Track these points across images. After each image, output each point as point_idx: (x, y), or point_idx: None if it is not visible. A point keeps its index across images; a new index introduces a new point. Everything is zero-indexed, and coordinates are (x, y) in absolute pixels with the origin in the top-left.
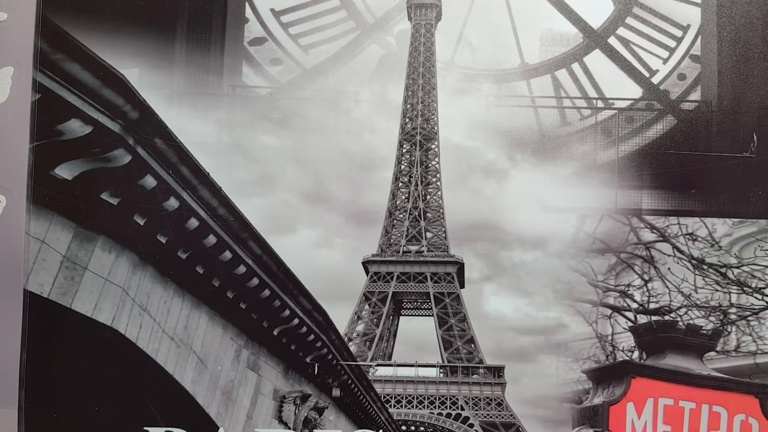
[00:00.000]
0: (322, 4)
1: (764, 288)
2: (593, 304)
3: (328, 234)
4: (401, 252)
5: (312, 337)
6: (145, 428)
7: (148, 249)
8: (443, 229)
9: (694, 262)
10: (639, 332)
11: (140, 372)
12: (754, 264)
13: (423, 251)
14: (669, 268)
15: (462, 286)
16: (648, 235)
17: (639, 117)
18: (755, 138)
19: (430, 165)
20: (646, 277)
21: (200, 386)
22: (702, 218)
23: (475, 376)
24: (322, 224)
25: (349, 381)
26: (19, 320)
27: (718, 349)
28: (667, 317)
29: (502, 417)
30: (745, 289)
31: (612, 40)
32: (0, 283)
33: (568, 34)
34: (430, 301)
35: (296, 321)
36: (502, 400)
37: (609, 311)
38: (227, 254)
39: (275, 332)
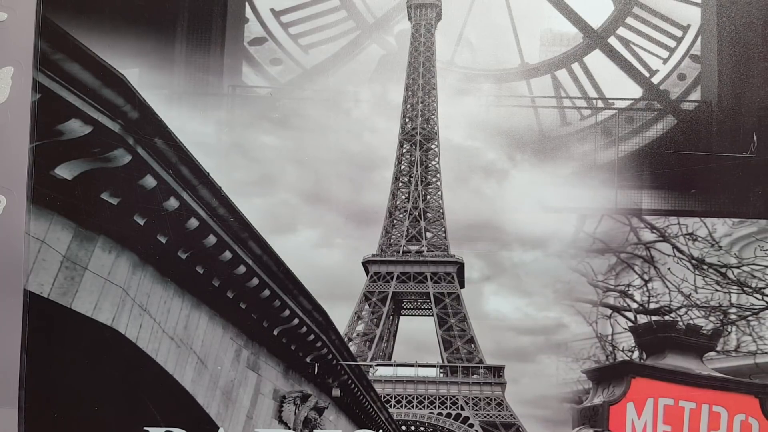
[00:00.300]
0: (322, 4)
1: (764, 288)
2: (593, 304)
3: (328, 234)
4: (401, 252)
5: (312, 337)
6: (145, 428)
7: (148, 249)
8: (443, 229)
9: (694, 262)
10: (639, 332)
11: (140, 372)
12: (754, 264)
13: (423, 251)
14: (669, 268)
15: (462, 286)
16: (648, 235)
17: (639, 117)
18: (755, 138)
19: (430, 165)
20: (646, 277)
21: (200, 386)
22: (702, 218)
23: (475, 376)
24: (322, 224)
25: (349, 381)
26: (19, 320)
27: (718, 349)
28: (667, 317)
29: (502, 417)
30: (745, 289)
31: (612, 40)
32: (0, 283)
33: (568, 34)
34: (430, 301)
35: (296, 321)
36: (502, 400)
37: (609, 311)
38: (227, 254)
39: (275, 332)
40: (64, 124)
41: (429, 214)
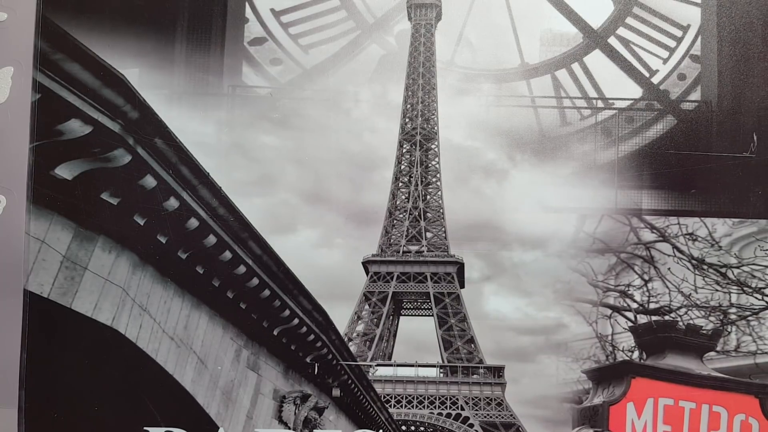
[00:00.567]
0: (322, 4)
1: (764, 288)
2: (593, 304)
3: (328, 234)
4: (401, 252)
5: (312, 337)
6: (145, 428)
7: (148, 249)
8: (443, 229)
9: (694, 262)
10: (639, 332)
11: (140, 372)
12: (754, 264)
13: (423, 251)
14: (669, 268)
15: (462, 286)
16: (648, 235)
17: (639, 117)
18: (755, 138)
19: (430, 165)
20: (646, 277)
21: (200, 386)
22: (702, 218)
23: (475, 376)
24: (322, 224)
25: (349, 381)
26: (19, 320)
27: (718, 349)
28: (667, 317)
29: (502, 417)
30: (745, 289)
31: (612, 40)
32: (0, 283)
33: (568, 34)
34: (430, 301)
35: (296, 321)
36: (502, 400)
37: (609, 311)
38: (227, 254)
39: (275, 332)
40: (64, 124)
41: (429, 214)
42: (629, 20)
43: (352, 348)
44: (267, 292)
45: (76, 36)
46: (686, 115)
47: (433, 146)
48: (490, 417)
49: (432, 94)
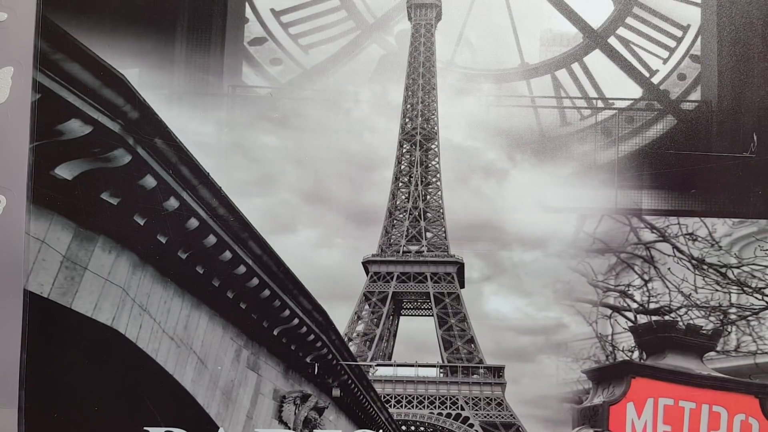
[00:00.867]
0: (322, 4)
1: (764, 288)
2: (593, 304)
3: (328, 234)
4: (401, 252)
5: (312, 337)
6: (145, 428)
7: (148, 249)
8: (443, 229)
9: (694, 262)
10: (639, 332)
11: (140, 372)
12: (754, 264)
13: (423, 251)
14: (669, 268)
15: (462, 286)
16: (648, 235)
17: (639, 117)
18: (755, 138)
19: (430, 165)
20: (646, 277)
21: (200, 386)
22: (702, 218)
23: (475, 376)
24: (322, 224)
25: (349, 381)
26: (19, 320)
27: (718, 349)
28: (667, 317)
29: (502, 417)
30: (745, 289)
31: (612, 40)
32: (0, 283)
33: (568, 34)
34: (430, 301)
35: (296, 321)
36: (502, 400)
37: (609, 311)
38: (227, 254)
39: (275, 332)
40: (64, 124)
41: (429, 214)
42: (629, 20)
43: (352, 348)
44: (267, 292)
45: (76, 36)
46: (686, 115)
47: (433, 146)
48: (490, 417)
49: (432, 94)
